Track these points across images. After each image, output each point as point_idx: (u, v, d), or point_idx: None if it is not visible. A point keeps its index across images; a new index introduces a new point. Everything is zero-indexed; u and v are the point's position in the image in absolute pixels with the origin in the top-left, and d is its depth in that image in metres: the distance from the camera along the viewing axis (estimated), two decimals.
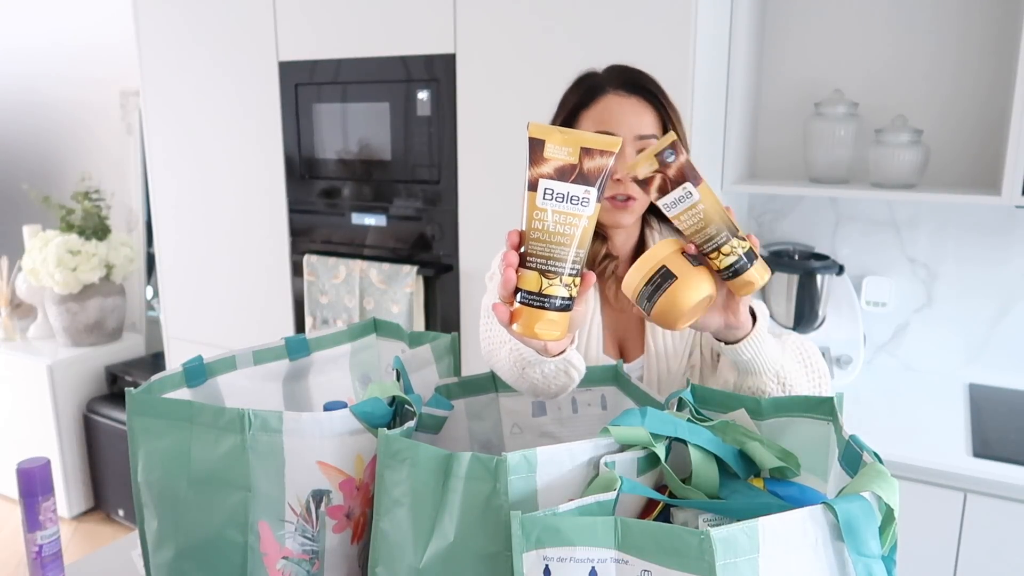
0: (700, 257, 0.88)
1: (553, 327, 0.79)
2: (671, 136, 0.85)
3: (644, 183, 0.86)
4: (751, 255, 0.87)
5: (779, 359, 0.96)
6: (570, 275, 0.79)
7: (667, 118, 1.09)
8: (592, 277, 0.82)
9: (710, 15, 1.71)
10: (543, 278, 0.78)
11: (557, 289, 0.78)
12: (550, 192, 0.77)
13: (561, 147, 0.77)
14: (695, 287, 0.85)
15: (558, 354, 0.88)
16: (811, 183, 2.00)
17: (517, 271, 0.79)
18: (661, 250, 0.87)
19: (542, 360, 0.90)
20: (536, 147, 0.77)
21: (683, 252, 0.87)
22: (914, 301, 2.08)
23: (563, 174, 0.77)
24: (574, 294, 0.80)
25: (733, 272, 0.87)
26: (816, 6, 2.05)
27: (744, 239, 0.87)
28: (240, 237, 2.38)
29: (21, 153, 3.65)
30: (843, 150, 1.95)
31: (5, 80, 3.62)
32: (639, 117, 1.08)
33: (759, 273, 0.87)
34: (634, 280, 0.88)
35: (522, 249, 0.79)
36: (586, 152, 0.77)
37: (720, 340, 0.95)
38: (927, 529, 1.58)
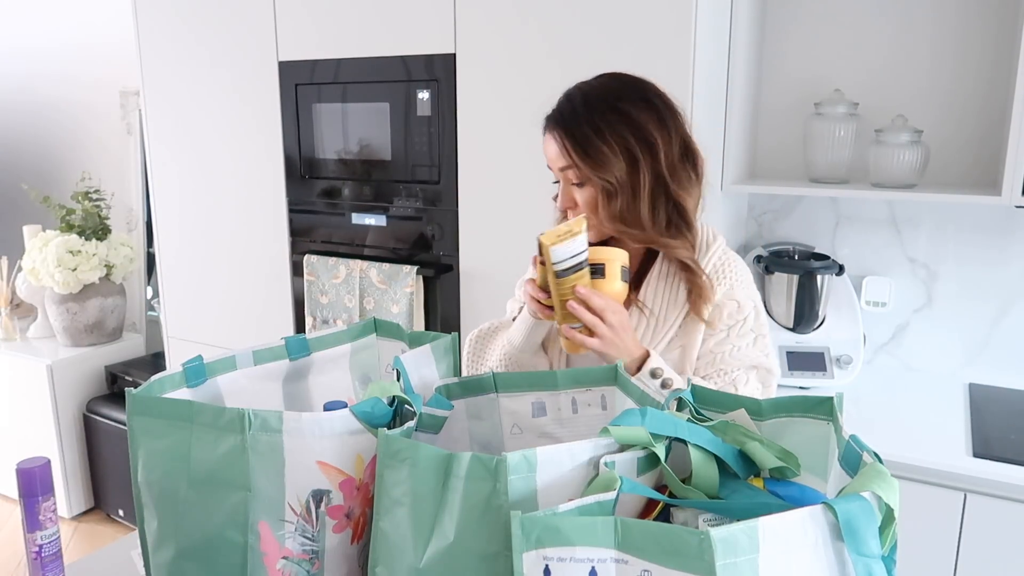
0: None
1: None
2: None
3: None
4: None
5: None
6: None
7: (567, 149, 1.16)
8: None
9: (710, 15, 1.71)
10: None
11: None
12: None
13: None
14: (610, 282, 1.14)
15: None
16: (811, 183, 2.00)
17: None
18: (614, 252, 1.14)
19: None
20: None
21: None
22: (914, 301, 2.08)
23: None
24: None
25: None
26: (816, 6, 2.05)
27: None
28: (240, 237, 2.38)
29: (21, 153, 3.65)
30: (843, 150, 1.95)
31: (5, 80, 3.62)
32: (555, 151, 1.19)
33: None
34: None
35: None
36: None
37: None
38: (927, 529, 1.58)
